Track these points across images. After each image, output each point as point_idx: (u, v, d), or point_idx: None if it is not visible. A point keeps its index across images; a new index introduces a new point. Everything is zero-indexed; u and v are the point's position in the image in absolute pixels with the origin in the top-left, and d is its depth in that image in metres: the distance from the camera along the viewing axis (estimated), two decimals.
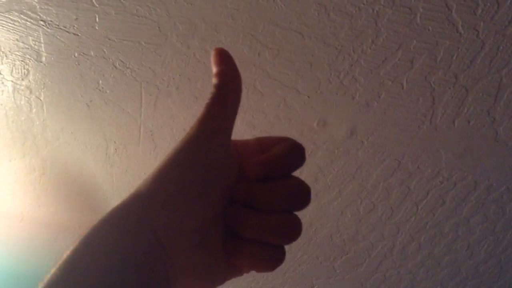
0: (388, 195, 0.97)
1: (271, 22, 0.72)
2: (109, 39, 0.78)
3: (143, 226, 0.23)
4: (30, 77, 0.86)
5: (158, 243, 0.23)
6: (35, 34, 0.78)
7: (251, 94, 0.82)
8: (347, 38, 0.72)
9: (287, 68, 0.78)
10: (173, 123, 0.90)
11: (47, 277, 0.21)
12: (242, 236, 0.27)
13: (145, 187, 0.25)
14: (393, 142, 0.87)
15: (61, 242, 1.22)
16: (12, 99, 0.90)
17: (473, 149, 0.86)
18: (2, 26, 0.77)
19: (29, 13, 0.75)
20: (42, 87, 0.87)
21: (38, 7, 0.74)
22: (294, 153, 0.29)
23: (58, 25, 0.77)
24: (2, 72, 0.85)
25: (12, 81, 0.87)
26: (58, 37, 0.79)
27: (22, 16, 0.76)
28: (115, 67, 0.82)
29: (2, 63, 0.84)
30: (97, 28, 0.76)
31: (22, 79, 0.86)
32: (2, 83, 0.87)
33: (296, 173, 0.29)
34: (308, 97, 0.82)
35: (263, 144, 0.31)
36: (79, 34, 0.78)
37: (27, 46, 0.81)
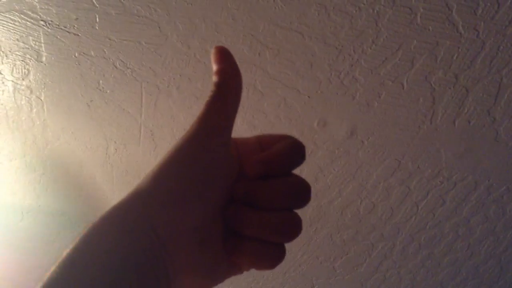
0: (388, 195, 0.97)
1: (271, 22, 0.72)
2: (110, 39, 0.78)
3: (143, 224, 0.23)
4: (31, 77, 0.86)
5: (158, 241, 0.23)
6: (36, 34, 0.78)
7: (251, 94, 0.82)
8: (347, 38, 0.72)
9: (287, 68, 0.78)
10: (173, 123, 0.90)
11: (47, 275, 0.21)
12: (242, 234, 0.27)
13: (145, 185, 0.25)
14: (394, 142, 0.87)
15: (61, 242, 1.22)
16: (13, 99, 0.90)
17: (473, 149, 0.86)
18: (3, 26, 0.78)
19: (30, 13, 0.75)
20: (43, 87, 0.88)
21: (38, 7, 0.74)
22: (294, 151, 0.29)
23: (58, 25, 0.77)
24: (2, 72, 0.85)
25: (12, 81, 0.87)
26: (58, 37, 0.79)
27: (22, 16, 0.76)
28: (116, 67, 0.82)
29: (2, 63, 0.84)
30: (97, 28, 0.77)
31: (23, 79, 0.86)
32: (3, 83, 0.87)
33: (295, 173, 0.29)
34: (309, 97, 0.82)
35: (263, 142, 0.31)
36: (80, 34, 0.78)
37: (27, 46, 0.81)
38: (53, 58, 0.82)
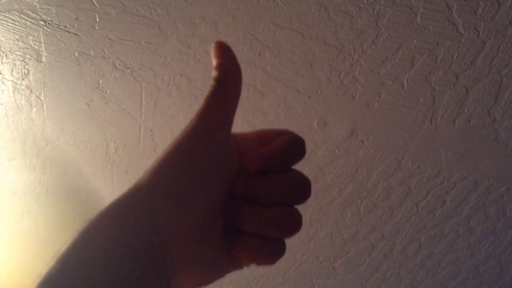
0: (388, 195, 0.97)
1: (271, 22, 0.72)
2: (109, 39, 0.78)
3: (143, 221, 0.23)
4: (30, 76, 0.86)
5: (158, 238, 0.23)
6: (35, 34, 0.78)
7: (251, 94, 0.82)
8: (347, 38, 0.72)
9: (287, 68, 0.78)
10: (173, 123, 0.90)
11: (46, 270, 0.21)
12: (242, 229, 0.27)
13: (145, 181, 0.25)
14: (394, 142, 0.87)
15: (61, 242, 1.22)
16: (13, 98, 0.90)
17: (473, 149, 0.86)
18: (3, 25, 0.77)
19: (30, 13, 0.75)
20: (42, 86, 0.87)
21: (38, 7, 0.74)
22: (294, 146, 0.29)
23: (58, 25, 0.77)
24: (2, 72, 0.85)
25: (12, 81, 0.87)
26: (58, 37, 0.79)
27: (22, 16, 0.76)
28: (115, 67, 0.82)
29: (2, 63, 0.84)
30: (97, 28, 0.76)
31: (22, 79, 0.86)
32: (3, 82, 0.87)
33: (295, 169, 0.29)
34: (309, 96, 0.82)
35: (263, 137, 0.31)
36: (79, 34, 0.78)
37: (27, 46, 0.81)
38: (53, 58, 0.82)
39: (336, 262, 1.14)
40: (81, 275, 0.21)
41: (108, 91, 0.87)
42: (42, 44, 0.80)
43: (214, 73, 0.28)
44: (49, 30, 0.78)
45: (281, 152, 0.28)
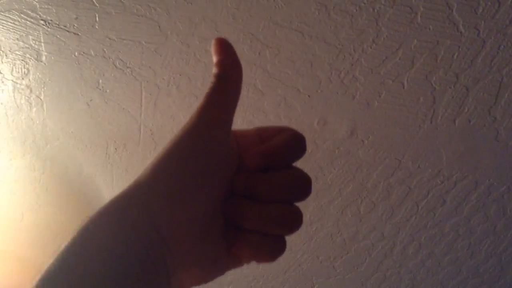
0: (388, 195, 0.97)
1: (271, 21, 0.72)
2: (109, 39, 0.78)
3: (143, 219, 0.23)
4: (30, 76, 0.86)
5: (158, 235, 0.23)
6: (35, 33, 0.78)
7: (251, 93, 0.82)
8: (347, 37, 0.72)
9: (287, 67, 0.78)
10: (173, 123, 0.90)
11: (45, 267, 0.21)
12: (242, 226, 0.27)
13: (144, 178, 0.25)
14: (394, 142, 0.86)
15: (61, 242, 1.22)
16: (12, 98, 0.90)
17: (474, 148, 0.86)
18: (2, 25, 0.77)
19: (29, 12, 0.75)
20: (42, 86, 0.87)
21: (38, 6, 0.74)
22: (295, 143, 0.28)
23: (58, 25, 0.77)
24: (2, 71, 0.85)
25: (12, 80, 0.87)
26: (58, 36, 0.79)
27: (22, 15, 0.76)
28: (115, 66, 0.82)
29: (2, 62, 0.84)
30: (97, 27, 0.76)
31: (22, 78, 0.86)
32: (2, 82, 0.87)
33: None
34: (309, 96, 0.82)
35: (263, 134, 0.30)
36: (79, 34, 0.78)
37: (27, 46, 0.81)
38: (52, 58, 0.82)
39: (336, 261, 1.14)
40: (80, 272, 0.21)
41: (108, 91, 0.87)
42: (42, 44, 0.80)
43: (214, 69, 0.28)
44: (49, 29, 0.78)
45: (281, 149, 0.28)
